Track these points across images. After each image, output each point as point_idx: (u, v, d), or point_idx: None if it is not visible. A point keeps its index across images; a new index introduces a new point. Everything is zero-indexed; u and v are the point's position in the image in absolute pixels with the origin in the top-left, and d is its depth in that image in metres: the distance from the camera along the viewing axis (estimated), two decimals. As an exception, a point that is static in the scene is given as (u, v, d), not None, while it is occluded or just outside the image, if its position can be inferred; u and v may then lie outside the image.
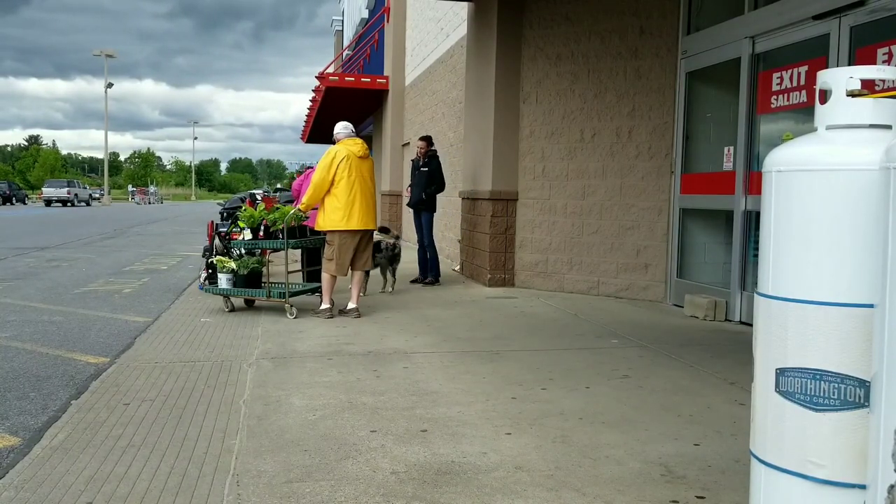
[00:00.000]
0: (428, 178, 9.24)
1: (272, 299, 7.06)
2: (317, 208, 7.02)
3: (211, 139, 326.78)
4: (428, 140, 9.52)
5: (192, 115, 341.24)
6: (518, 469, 3.21)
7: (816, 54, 5.98)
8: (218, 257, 7.48)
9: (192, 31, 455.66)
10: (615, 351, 5.62)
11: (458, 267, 10.35)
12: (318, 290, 7.42)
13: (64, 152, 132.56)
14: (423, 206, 9.33)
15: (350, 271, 7.11)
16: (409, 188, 9.64)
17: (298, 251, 8.77)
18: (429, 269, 9.42)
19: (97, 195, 59.82)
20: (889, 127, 2.06)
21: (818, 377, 2.00)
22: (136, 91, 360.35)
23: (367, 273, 7.51)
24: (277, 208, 7.19)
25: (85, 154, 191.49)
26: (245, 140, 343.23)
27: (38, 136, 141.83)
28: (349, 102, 20.55)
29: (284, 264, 7.08)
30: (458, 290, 8.95)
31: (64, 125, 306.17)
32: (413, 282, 9.35)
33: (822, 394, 2.00)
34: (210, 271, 7.56)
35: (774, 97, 6.52)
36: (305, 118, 26.11)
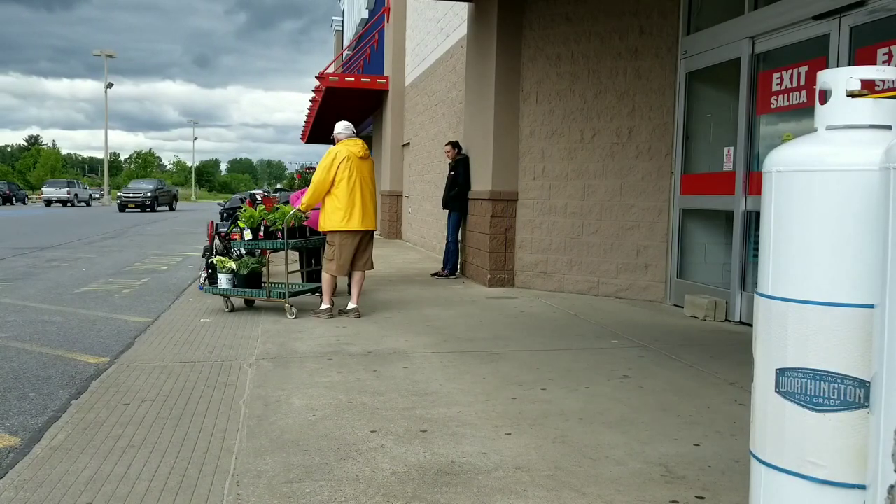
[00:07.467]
0: (450, 181, 10.12)
1: (272, 299, 7.06)
2: (318, 208, 7.03)
3: (223, 139, 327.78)
4: (454, 144, 10.28)
5: (213, 115, 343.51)
6: (518, 469, 3.21)
7: (816, 54, 5.98)
8: (218, 257, 7.47)
9: (245, 30, 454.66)
10: (615, 351, 5.62)
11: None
12: (318, 290, 7.42)
13: (65, 152, 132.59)
14: (450, 207, 10.19)
15: (351, 271, 7.11)
16: None
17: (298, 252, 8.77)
18: (444, 262, 10.32)
19: (97, 195, 59.81)
20: (889, 127, 2.06)
21: (818, 377, 2.00)
22: (163, 91, 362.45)
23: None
24: (277, 208, 7.19)
25: (93, 154, 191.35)
26: (256, 140, 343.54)
27: (38, 136, 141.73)
28: (349, 102, 20.55)
29: (284, 264, 7.08)
30: (458, 290, 8.95)
31: (83, 125, 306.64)
32: (433, 274, 10.40)
33: (821, 394, 2.00)
34: (210, 271, 7.56)
35: (774, 97, 6.52)
36: (305, 118, 26.11)
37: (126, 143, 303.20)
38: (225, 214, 10.51)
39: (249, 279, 7.13)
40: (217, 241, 8.99)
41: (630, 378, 4.79)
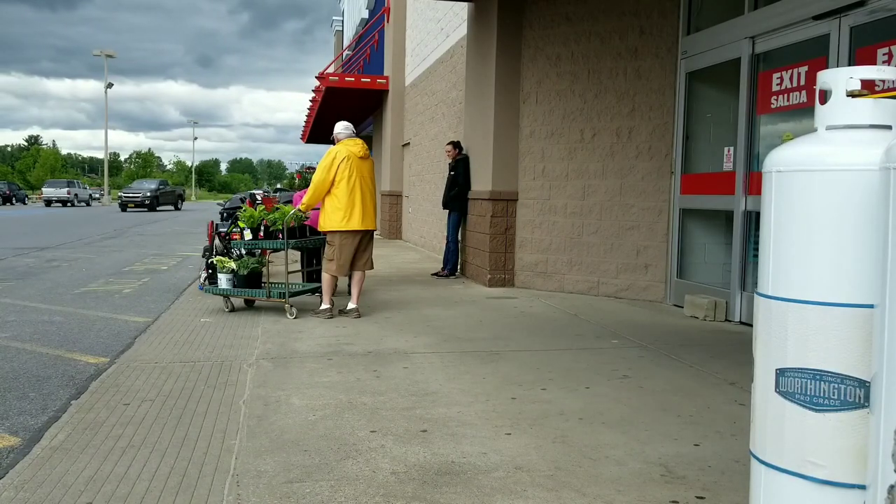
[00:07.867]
0: (451, 182, 10.12)
1: (272, 299, 7.06)
2: (318, 208, 7.03)
3: (224, 139, 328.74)
4: (455, 144, 10.30)
5: (214, 115, 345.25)
6: (518, 469, 3.21)
7: (816, 54, 5.98)
8: (218, 257, 7.47)
9: (248, 30, 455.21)
10: (615, 351, 5.62)
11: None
12: (318, 290, 7.42)
13: (65, 152, 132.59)
14: (450, 207, 10.19)
15: (351, 271, 7.11)
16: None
17: (298, 252, 8.76)
18: (444, 262, 10.34)
19: (97, 195, 59.80)
20: (889, 127, 2.06)
21: (818, 377, 2.00)
22: (164, 91, 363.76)
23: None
24: (277, 208, 7.19)
25: (94, 154, 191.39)
26: (256, 140, 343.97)
27: (38, 136, 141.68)
28: (349, 102, 20.55)
29: (284, 264, 7.08)
30: (458, 290, 8.95)
31: (84, 125, 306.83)
32: (433, 274, 10.40)
33: (822, 394, 2.00)
34: (210, 271, 7.56)
35: (774, 97, 6.52)
36: (305, 118, 26.11)
37: (127, 142, 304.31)
38: (225, 214, 10.51)
39: (249, 279, 7.13)
40: (217, 241, 8.99)
41: (630, 378, 4.79)
